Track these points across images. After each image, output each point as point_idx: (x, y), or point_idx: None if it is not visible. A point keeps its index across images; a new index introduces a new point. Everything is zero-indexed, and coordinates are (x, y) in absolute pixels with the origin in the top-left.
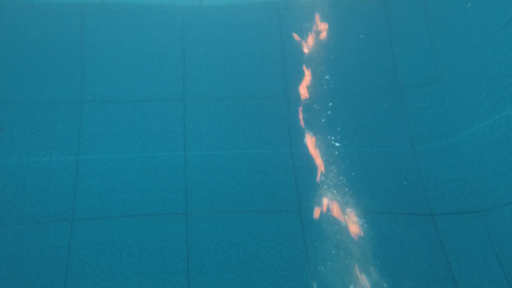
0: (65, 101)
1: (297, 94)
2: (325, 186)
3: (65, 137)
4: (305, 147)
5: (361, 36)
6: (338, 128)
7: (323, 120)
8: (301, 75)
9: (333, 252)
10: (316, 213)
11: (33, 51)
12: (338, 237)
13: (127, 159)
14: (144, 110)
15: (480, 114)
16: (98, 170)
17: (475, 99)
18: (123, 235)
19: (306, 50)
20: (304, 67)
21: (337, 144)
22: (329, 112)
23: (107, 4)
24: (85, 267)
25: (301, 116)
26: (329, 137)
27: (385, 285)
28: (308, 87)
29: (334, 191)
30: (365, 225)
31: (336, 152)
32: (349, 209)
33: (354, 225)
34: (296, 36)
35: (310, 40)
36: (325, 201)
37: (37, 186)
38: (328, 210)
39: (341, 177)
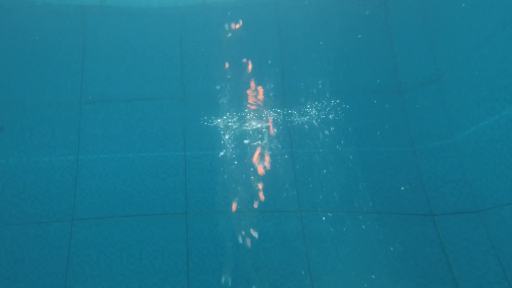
0: (64, 101)
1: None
2: (326, 188)
3: (65, 137)
4: (304, 147)
5: (360, 36)
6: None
7: (324, 119)
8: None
9: (333, 252)
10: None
11: (34, 53)
12: (338, 237)
13: (127, 159)
14: (144, 110)
15: (480, 113)
16: (98, 170)
17: (475, 99)
18: (123, 235)
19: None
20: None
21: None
22: (328, 111)
23: (105, 6)
24: (85, 267)
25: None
26: (331, 137)
27: (385, 284)
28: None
29: (335, 190)
30: (365, 225)
31: (335, 154)
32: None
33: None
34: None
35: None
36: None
37: (37, 186)
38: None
39: (341, 177)
